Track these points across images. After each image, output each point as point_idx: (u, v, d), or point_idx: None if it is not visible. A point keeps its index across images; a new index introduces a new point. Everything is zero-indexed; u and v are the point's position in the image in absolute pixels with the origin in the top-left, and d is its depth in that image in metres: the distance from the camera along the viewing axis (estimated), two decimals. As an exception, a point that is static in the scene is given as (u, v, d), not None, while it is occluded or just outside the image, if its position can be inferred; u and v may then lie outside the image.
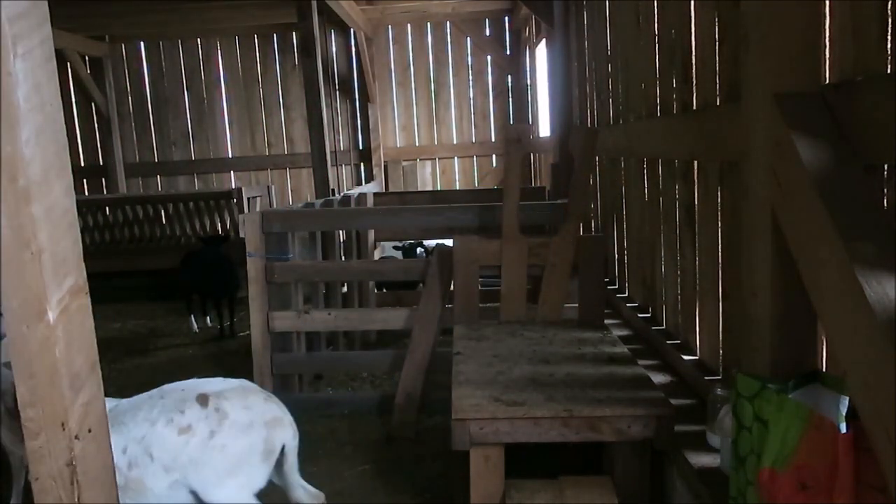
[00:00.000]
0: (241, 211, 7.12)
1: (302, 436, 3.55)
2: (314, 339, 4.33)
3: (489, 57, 9.12)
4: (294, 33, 8.71)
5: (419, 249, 5.80)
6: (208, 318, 5.97)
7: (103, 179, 9.26)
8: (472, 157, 9.34)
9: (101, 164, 9.27)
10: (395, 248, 6.22)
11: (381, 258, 6.08)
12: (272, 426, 2.23)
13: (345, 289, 5.02)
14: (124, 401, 2.30)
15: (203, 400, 2.18)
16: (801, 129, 1.49)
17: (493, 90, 9.18)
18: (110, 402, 2.15)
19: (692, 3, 2.67)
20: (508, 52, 9.03)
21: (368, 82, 8.92)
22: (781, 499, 1.42)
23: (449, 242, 3.58)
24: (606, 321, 3.36)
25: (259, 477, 2.20)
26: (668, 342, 3.02)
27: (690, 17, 2.69)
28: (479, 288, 3.38)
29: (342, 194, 5.82)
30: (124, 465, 2.08)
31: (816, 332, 1.63)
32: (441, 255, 3.52)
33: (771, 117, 1.57)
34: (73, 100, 9.14)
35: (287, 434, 2.28)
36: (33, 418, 1.35)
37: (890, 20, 1.47)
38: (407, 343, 3.65)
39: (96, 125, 9.26)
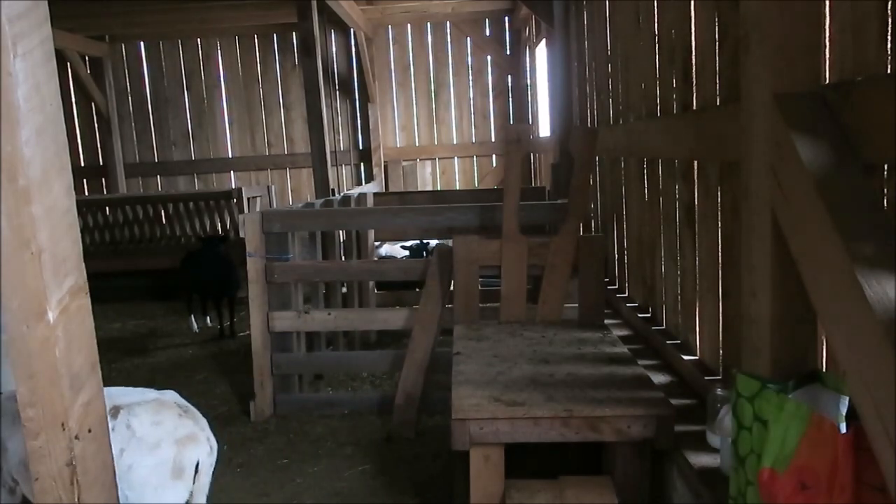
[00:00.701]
0: (241, 211, 7.12)
1: (302, 436, 3.59)
2: (314, 339, 4.33)
3: (489, 57, 9.12)
4: (294, 33, 8.71)
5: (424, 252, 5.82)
6: (208, 318, 5.97)
7: (103, 179, 9.25)
8: (472, 157, 9.33)
9: (101, 164, 9.27)
10: (403, 247, 6.22)
11: (381, 258, 6.08)
12: (184, 444, 2.12)
13: (345, 289, 5.02)
14: None
15: (114, 413, 2.08)
16: (801, 129, 1.49)
17: (493, 90, 9.18)
18: None
19: (692, 3, 2.67)
20: (508, 52, 9.03)
21: (368, 82, 8.92)
22: (781, 499, 1.42)
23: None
24: (606, 321, 3.36)
25: (173, 496, 2.10)
26: (668, 342, 3.02)
27: (690, 17, 2.69)
28: (479, 288, 3.38)
29: (342, 194, 5.82)
30: None
31: (816, 332, 1.63)
32: (441, 255, 3.52)
33: (771, 117, 1.57)
34: (73, 100, 9.14)
35: (202, 451, 2.17)
36: (33, 418, 1.35)
37: (890, 20, 1.47)
38: (407, 343, 3.65)
39: (96, 125, 9.26)
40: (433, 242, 5.70)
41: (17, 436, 2.09)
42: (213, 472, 2.25)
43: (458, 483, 2.58)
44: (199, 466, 2.15)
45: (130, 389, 2.28)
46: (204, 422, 2.25)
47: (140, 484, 2.04)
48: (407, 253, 6.08)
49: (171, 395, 2.29)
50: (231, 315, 5.66)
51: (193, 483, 2.15)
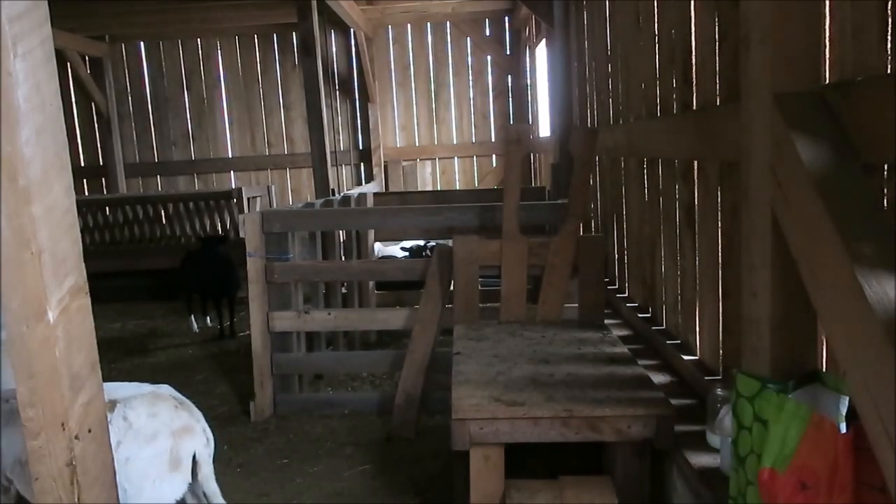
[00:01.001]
0: (241, 211, 7.12)
1: (302, 436, 3.59)
2: (314, 339, 4.33)
3: (489, 57, 9.12)
4: (294, 33, 8.70)
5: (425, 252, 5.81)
6: (208, 318, 5.97)
7: (103, 179, 9.25)
8: (472, 157, 9.33)
9: (101, 164, 9.26)
10: (403, 249, 6.21)
11: (381, 258, 6.08)
12: (180, 435, 2.14)
13: (345, 289, 5.02)
14: None
15: (111, 406, 2.08)
16: (801, 129, 1.49)
17: (493, 90, 9.18)
18: None
19: (692, 3, 2.67)
20: (508, 52, 9.03)
21: (368, 82, 8.92)
22: (781, 499, 1.42)
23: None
24: (606, 321, 3.36)
25: (170, 488, 2.11)
26: (668, 342, 3.02)
27: (690, 17, 2.69)
28: (479, 288, 3.38)
29: (342, 194, 5.82)
30: None
31: (816, 332, 1.63)
32: (441, 255, 3.52)
33: (771, 117, 1.57)
34: (73, 100, 9.14)
35: (198, 442, 2.18)
36: (33, 418, 1.35)
37: (890, 20, 1.47)
38: (407, 343, 3.65)
39: (96, 125, 9.25)
40: (431, 243, 5.70)
41: (12, 435, 2.09)
42: (214, 473, 2.25)
43: (458, 483, 2.58)
44: (197, 457, 2.17)
45: (127, 384, 2.29)
46: (199, 414, 2.26)
47: (138, 476, 2.05)
48: (406, 255, 6.07)
49: (166, 389, 2.31)
50: (231, 315, 5.66)
51: (192, 475, 2.17)
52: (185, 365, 4.96)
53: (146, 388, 2.27)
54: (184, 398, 2.30)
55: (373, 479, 3.11)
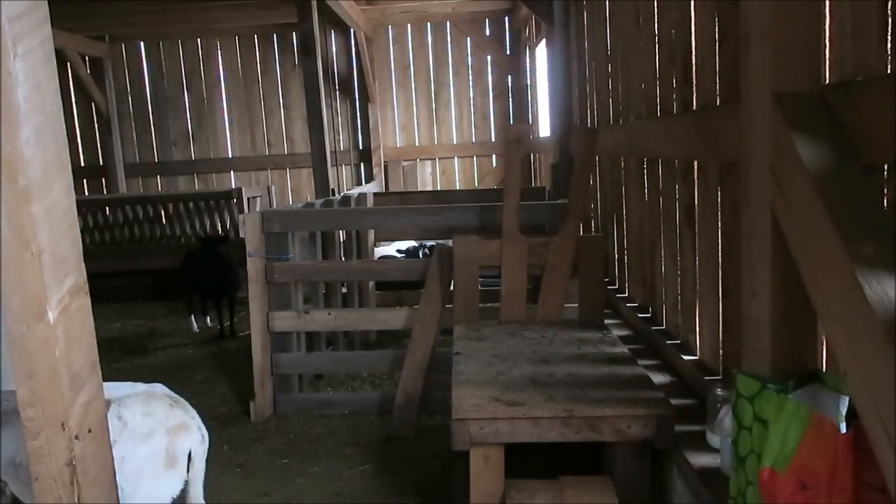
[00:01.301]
0: (241, 211, 7.12)
1: (302, 436, 3.59)
2: (314, 339, 4.33)
3: (489, 57, 9.12)
4: (294, 33, 8.71)
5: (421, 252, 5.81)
6: (208, 318, 5.97)
7: (103, 179, 9.25)
8: (472, 157, 9.33)
9: (101, 164, 9.27)
10: (399, 252, 6.21)
11: (380, 258, 6.08)
12: (175, 432, 2.14)
13: (345, 289, 5.02)
14: None
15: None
16: (801, 129, 1.49)
17: (493, 90, 9.18)
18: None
19: (692, 2, 2.67)
20: (508, 52, 9.03)
21: (368, 82, 8.92)
22: (781, 499, 1.42)
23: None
24: (606, 321, 3.36)
25: (167, 486, 2.11)
26: (668, 342, 3.02)
27: (690, 16, 2.69)
28: (480, 288, 3.38)
29: (342, 194, 5.82)
30: None
31: (816, 332, 1.63)
32: (441, 255, 3.52)
33: (771, 117, 1.57)
34: (73, 100, 9.14)
35: (193, 439, 2.19)
36: (33, 418, 1.35)
37: (890, 20, 1.47)
38: (407, 343, 3.65)
39: (96, 125, 9.26)
40: (430, 243, 5.69)
41: (7, 436, 2.09)
42: (214, 472, 2.26)
43: (458, 483, 2.58)
44: (192, 455, 2.16)
45: (121, 384, 2.29)
46: (194, 412, 2.26)
47: (134, 474, 2.05)
48: (403, 256, 6.07)
49: (160, 388, 2.31)
50: (231, 315, 5.66)
51: (188, 472, 2.16)
52: (185, 365, 4.96)
53: (140, 387, 2.27)
54: (178, 396, 2.31)
55: (373, 479, 3.11)
